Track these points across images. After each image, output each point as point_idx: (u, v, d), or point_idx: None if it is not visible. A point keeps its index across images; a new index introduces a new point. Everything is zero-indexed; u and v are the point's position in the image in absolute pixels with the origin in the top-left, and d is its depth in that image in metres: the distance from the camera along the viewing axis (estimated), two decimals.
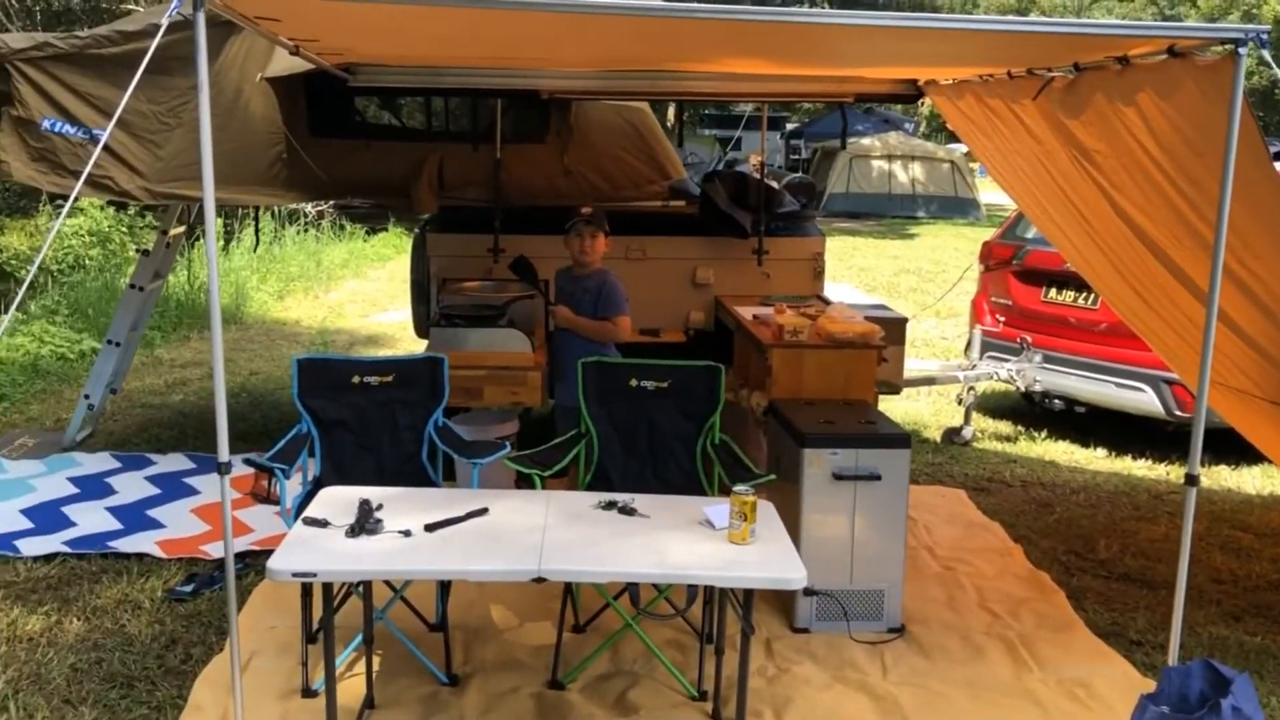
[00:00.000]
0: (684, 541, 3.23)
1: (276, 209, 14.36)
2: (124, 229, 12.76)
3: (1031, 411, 7.71)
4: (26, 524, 5.22)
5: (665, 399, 4.25)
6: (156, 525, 5.24)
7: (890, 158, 25.09)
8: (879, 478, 4.25)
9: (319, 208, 15.18)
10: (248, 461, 3.78)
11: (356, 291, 13.31)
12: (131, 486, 5.80)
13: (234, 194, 5.71)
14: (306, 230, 15.40)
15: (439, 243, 6.02)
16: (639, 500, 3.55)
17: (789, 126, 38.73)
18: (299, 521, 3.26)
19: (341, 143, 5.79)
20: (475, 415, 5.66)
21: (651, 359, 4.44)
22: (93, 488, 5.77)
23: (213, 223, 3.12)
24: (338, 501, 3.43)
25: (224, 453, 3.11)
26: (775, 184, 6.21)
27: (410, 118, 6.05)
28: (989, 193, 30.46)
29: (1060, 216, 5.12)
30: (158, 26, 3.18)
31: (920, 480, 6.39)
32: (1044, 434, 7.36)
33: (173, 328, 10.25)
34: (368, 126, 5.79)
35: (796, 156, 33.61)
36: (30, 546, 4.92)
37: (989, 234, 8.23)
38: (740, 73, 5.31)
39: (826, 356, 4.87)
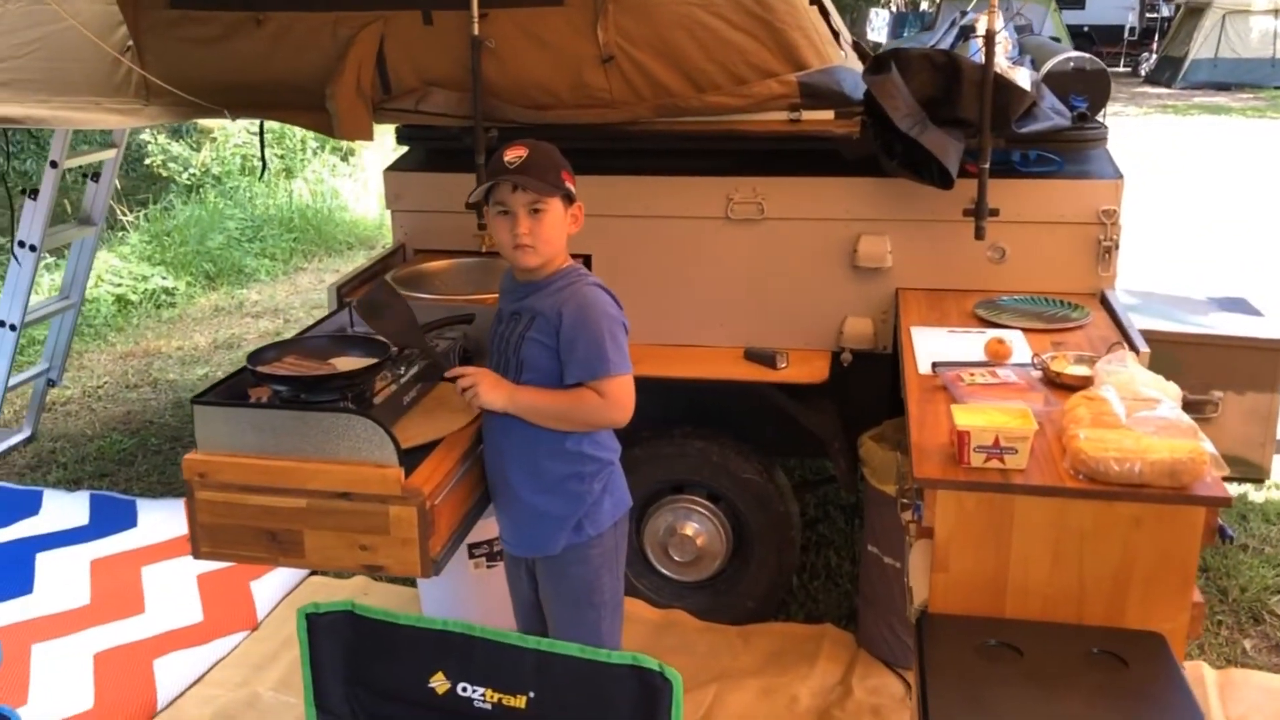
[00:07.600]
0: None
1: None
2: None
3: None
4: None
5: None
6: None
7: (1278, 13, 19.81)
8: None
9: None
10: None
11: None
12: None
13: (55, 110, 3.40)
14: None
15: (402, 188, 3.50)
16: None
17: None
18: None
19: (214, 17, 3.29)
20: None
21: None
22: None
23: None
24: None
25: None
26: (1021, 74, 3.11)
27: None
28: None
29: None
30: None
31: (1259, 658, 3.27)
32: None
33: (217, 274, 7.94)
34: None
35: (1154, 14, 27.78)
36: None
37: None
38: None
39: (1074, 516, 1.97)
